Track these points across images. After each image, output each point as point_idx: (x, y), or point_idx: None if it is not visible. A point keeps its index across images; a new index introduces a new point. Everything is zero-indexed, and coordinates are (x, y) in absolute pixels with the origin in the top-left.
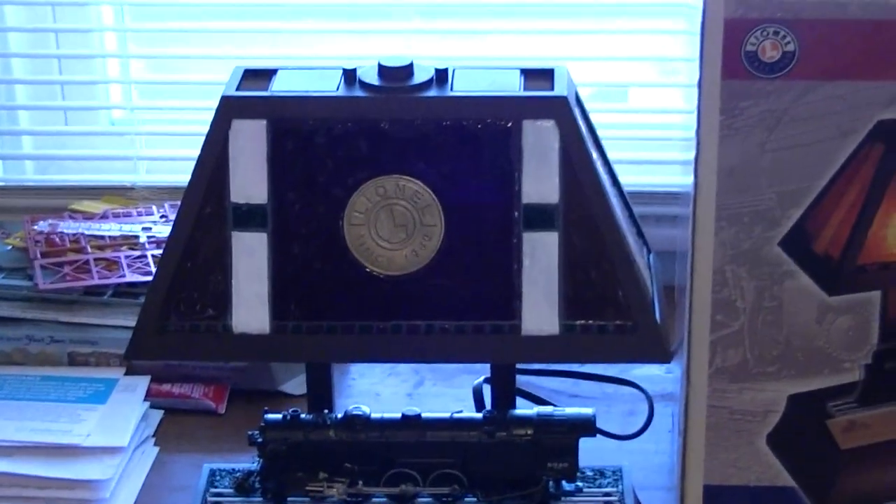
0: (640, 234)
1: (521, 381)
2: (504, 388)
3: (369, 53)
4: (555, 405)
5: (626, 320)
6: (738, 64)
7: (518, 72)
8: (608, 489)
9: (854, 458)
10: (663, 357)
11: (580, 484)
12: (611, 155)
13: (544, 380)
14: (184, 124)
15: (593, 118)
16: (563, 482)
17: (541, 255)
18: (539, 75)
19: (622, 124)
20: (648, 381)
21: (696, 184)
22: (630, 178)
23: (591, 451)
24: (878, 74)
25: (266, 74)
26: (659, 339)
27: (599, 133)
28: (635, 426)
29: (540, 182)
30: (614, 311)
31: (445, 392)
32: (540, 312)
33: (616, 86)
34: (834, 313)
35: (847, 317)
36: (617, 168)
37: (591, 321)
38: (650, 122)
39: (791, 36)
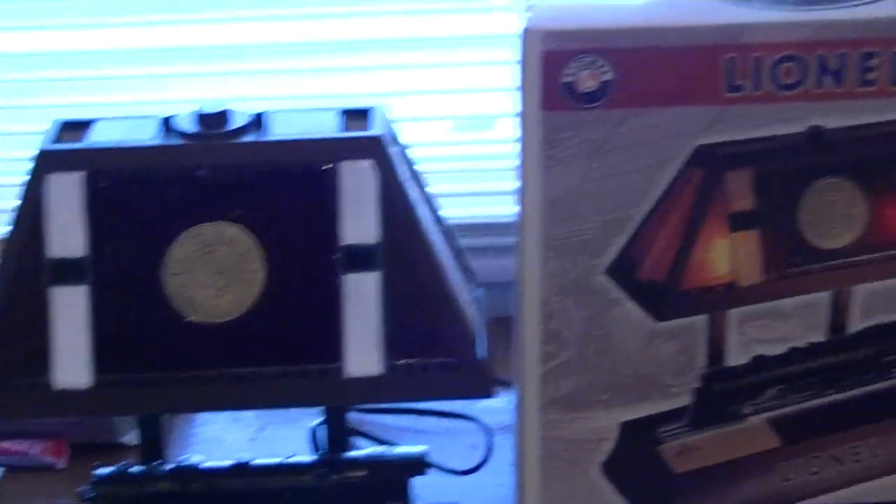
0: (466, 269)
1: (365, 419)
2: (337, 430)
3: (194, 97)
4: (393, 444)
5: (448, 358)
6: (556, 95)
7: (337, 113)
8: None
9: (688, 482)
10: (486, 393)
11: None
12: (449, 188)
13: (388, 417)
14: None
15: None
16: None
17: (362, 295)
18: (357, 115)
19: (481, 155)
20: (491, 413)
21: (521, 214)
22: (468, 210)
23: (434, 488)
24: (696, 100)
25: (83, 126)
26: (481, 375)
27: (464, 165)
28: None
29: (358, 223)
30: (437, 349)
31: (289, 435)
32: (363, 353)
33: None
34: (661, 339)
35: (674, 342)
36: (455, 200)
37: (414, 360)
38: (484, 152)
39: (608, 66)
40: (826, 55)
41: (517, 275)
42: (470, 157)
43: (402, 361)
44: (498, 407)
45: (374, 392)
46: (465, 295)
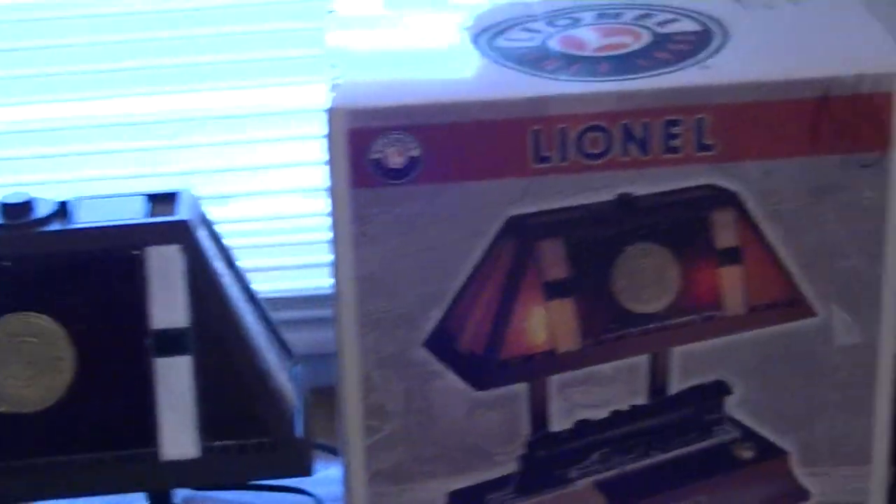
0: (282, 345)
1: (196, 496)
2: None
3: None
4: None
5: (264, 437)
6: (365, 172)
7: (143, 198)
8: None
9: None
10: (304, 470)
11: None
12: (263, 262)
13: (220, 493)
14: None
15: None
16: None
17: (175, 379)
18: (163, 199)
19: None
20: (325, 484)
21: (336, 290)
22: (288, 284)
23: None
24: (504, 172)
25: None
26: (298, 453)
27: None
28: None
29: (168, 307)
30: (252, 430)
31: None
32: (178, 437)
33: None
34: (484, 408)
35: (497, 410)
36: (269, 275)
37: (230, 441)
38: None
39: (414, 142)
40: (630, 124)
41: (336, 349)
42: (285, 230)
43: (218, 443)
44: (333, 477)
45: (191, 475)
46: (280, 373)
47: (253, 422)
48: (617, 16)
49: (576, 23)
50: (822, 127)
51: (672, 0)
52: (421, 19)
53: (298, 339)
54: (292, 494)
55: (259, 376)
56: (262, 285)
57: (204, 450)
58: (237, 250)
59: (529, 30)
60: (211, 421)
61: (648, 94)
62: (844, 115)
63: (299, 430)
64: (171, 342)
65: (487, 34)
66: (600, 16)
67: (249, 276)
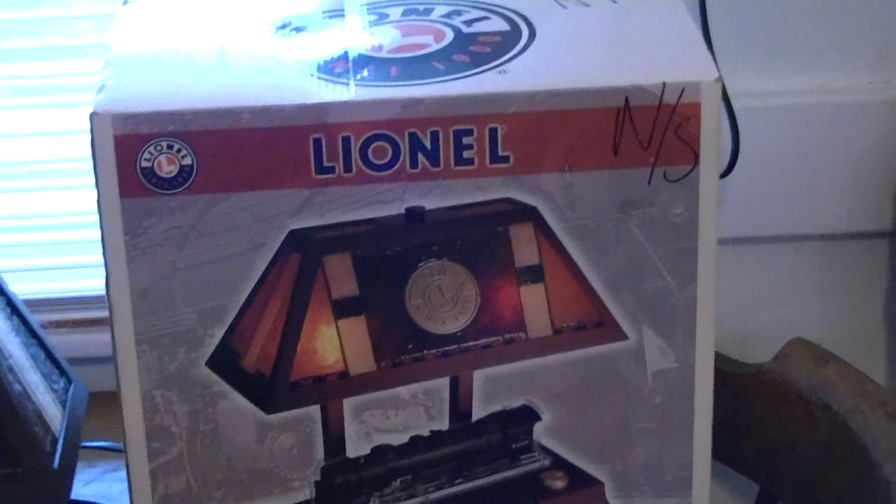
0: (56, 365)
1: None
2: None
3: None
4: None
5: (15, 468)
6: (135, 181)
7: None
8: None
9: None
10: (59, 499)
11: None
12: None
13: None
14: None
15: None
16: None
17: None
18: None
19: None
20: None
21: (110, 308)
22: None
23: None
24: (282, 183)
25: None
26: (52, 482)
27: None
28: None
29: None
30: (2, 460)
31: None
32: None
33: None
34: (275, 431)
35: (289, 434)
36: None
37: None
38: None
39: (186, 149)
40: (418, 133)
41: (115, 370)
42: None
43: None
44: None
45: None
46: (43, 395)
47: (2, 451)
48: (426, 12)
49: (381, 18)
50: (624, 139)
51: None
52: (222, 11)
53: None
54: None
55: (7, 403)
56: (48, 285)
57: None
58: (11, 249)
59: (329, 26)
60: None
61: (435, 102)
62: (649, 126)
63: (58, 457)
64: None
65: (286, 30)
66: (408, 12)
67: (29, 276)
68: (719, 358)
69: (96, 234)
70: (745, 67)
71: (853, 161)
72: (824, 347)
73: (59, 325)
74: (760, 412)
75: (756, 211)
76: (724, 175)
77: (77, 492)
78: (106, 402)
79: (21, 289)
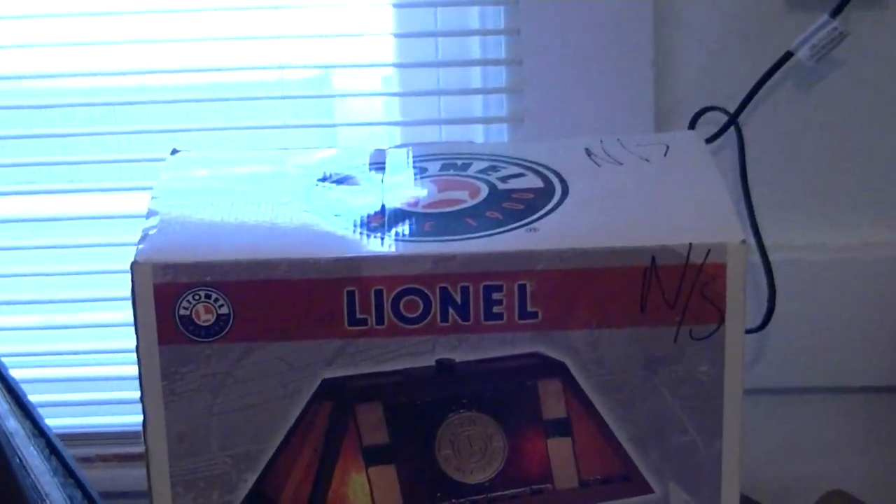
0: (81, 487)
1: None
2: None
3: None
4: None
5: None
6: (173, 329)
7: None
8: None
9: None
10: None
11: None
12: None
13: None
14: None
15: None
16: None
17: None
18: None
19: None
20: None
21: (147, 451)
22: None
23: None
24: (317, 334)
25: None
26: None
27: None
28: None
29: None
30: None
31: None
32: None
33: None
34: None
35: None
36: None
37: None
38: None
39: (224, 299)
40: (449, 289)
41: None
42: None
43: None
44: None
45: None
46: None
47: None
48: (464, 167)
49: (420, 173)
50: (651, 297)
51: (527, 150)
52: (266, 162)
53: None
54: None
55: None
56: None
57: None
58: (51, 384)
59: (370, 179)
60: None
61: (466, 259)
62: (675, 285)
63: None
64: None
65: (327, 182)
66: (446, 166)
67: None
68: None
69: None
70: (783, 221)
71: (893, 315)
72: (862, 500)
73: (104, 459)
74: None
75: (795, 362)
76: (759, 328)
77: None
78: None
79: (63, 422)
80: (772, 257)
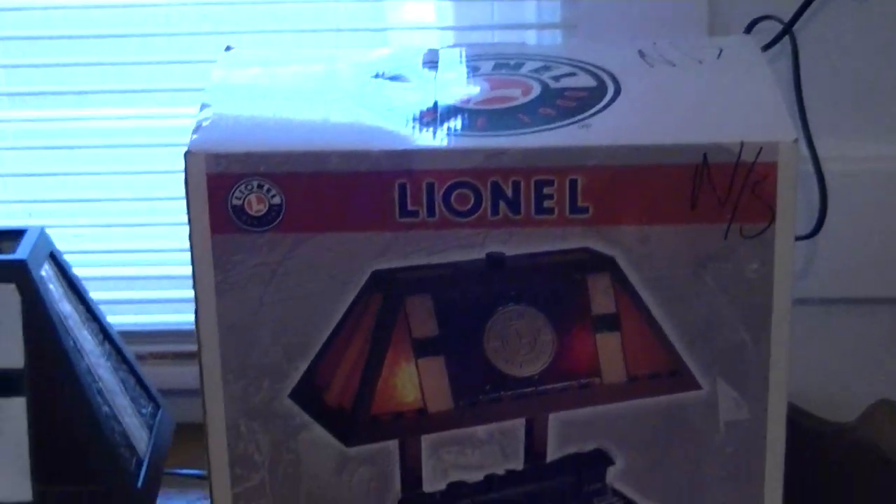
0: (144, 389)
1: None
2: None
3: None
4: None
5: (98, 486)
6: (226, 218)
7: None
8: None
9: None
10: None
11: None
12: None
13: None
14: None
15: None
16: None
17: (9, 421)
18: (10, 237)
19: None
20: None
21: (198, 339)
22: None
23: None
24: (367, 225)
25: None
26: (134, 502)
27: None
28: None
29: (4, 347)
30: (86, 477)
31: None
32: (12, 480)
33: None
34: (354, 464)
35: (367, 467)
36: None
37: (64, 488)
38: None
39: (276, 189)
40: (500, 183)
41: (201, 399)
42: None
43: (52, 488)
44: None
45: None
46: (130, 419)
47: (87, 469)
48: (517, 66)
49: (473, 72)
50: (702, 195)
51: (580, 51)
52: (320, 58)
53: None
54: None
55: (95, 423)
56: (138, 317)
57: (37, 494)
58: (108, 282)
59: (424, 77)
60: (45, 466)
61: (518, 153)
62: (726, 183)
63: (142, 478)
64: (5, 383)
65: (381, 78)
66: (499, 66)
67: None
68: (802, 414)
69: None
70: (837, 132)
71: None
72: None
73: (158, 357)
74: (843, 470)
75: (845, 273)
76: (810, 235)
77: None
78: (197, 432)
79: (121, 320)
80: (824, 168)
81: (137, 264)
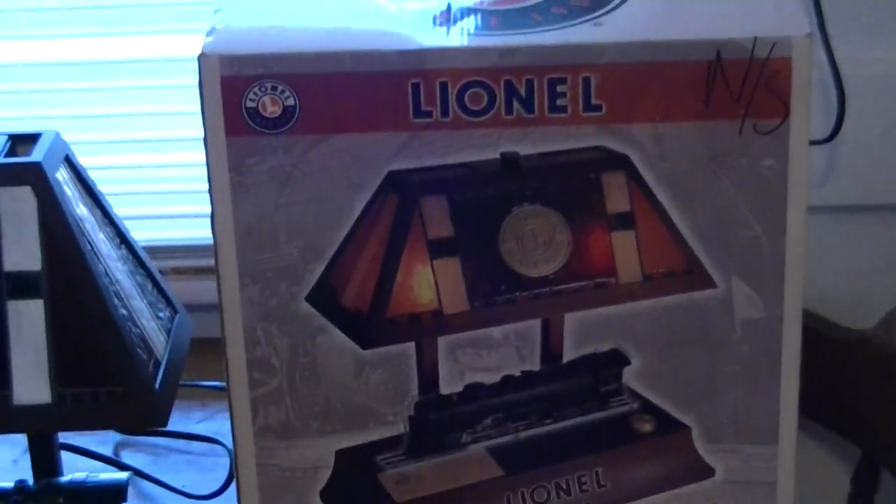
0: (162, 295)
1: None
2: (43, 456)
3: None
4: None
5: (116, 387)
6: (240, 121)
7: (4, 137)
8: None
9: None
10: (157, 422)
11: None
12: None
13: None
14: None
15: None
16: None
17: (27, 323)
18: (25, 140)
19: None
20: None
21: (215, 243)
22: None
23: None
24: (381, 126)
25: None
26: (151, 404)
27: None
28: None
29: (21, 249)
30: (105, 378)
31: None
32: (31, 381)
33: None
34: (371, 367)
35: (384, 370)
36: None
37: (82, 389)
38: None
39: (290, 91)
40: (513, 81)
41: (219, 302)
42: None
43: (70, 390)
44: None
45: (42, 420)
46: (148, 322)
47: (105, 370)
48: None
49: None
50: (716, 91)
51: None
52: None
53: (200, 289)
54: (208, 444)
55: (112, 324)
56: (158, 233)
57: (56, 395)
58: (130, 198)
59: None
60: (64, 367)
61: (531, 51)
62: (740, 79)
63: (159, 380)
64: (23, 285)
65: None
66: None
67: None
68: (824, 323)
69: None
70: (854, 36)
71: None
72: None
73: (179, 272)
74: (864, 377)
75: (864, 179)
76: (828, 139)
77: (190, 428)
78: (219, 346)
79: (142, 236)
80: (842, 72)
81: (158, 181)
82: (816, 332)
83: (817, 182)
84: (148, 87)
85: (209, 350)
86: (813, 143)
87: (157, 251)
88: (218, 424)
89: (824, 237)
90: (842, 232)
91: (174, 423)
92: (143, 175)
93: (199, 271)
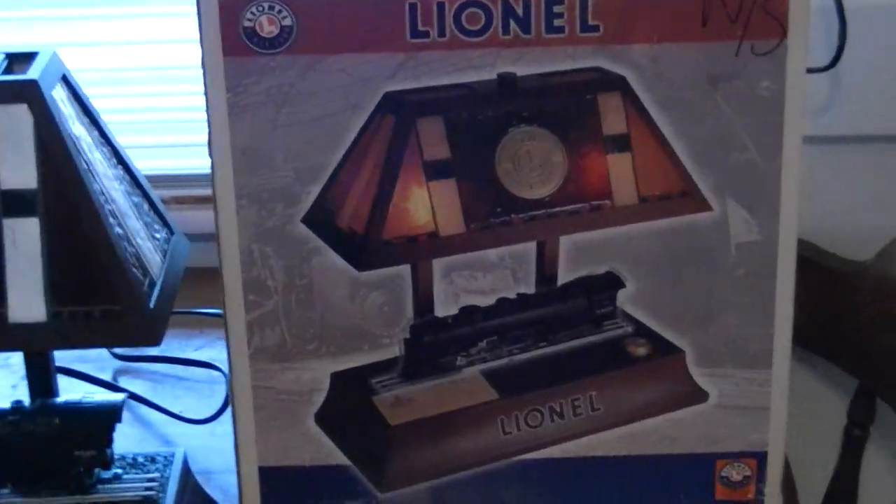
0: (160, 217)
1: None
2: (39, 377)
3: None
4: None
5: (111, 305)
6: (237, 41)
7: (1, 56)
8: (153, 475)
9: (405, 434)
10: (152, 340)
11: (119, 471)
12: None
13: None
14: None
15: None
16: (100, 470)
17: (23, 241)
18: (22, 59)
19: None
20: None
21: (212, 164)
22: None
23: (176, 437)
24: (380, 46)
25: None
26: (146, 323)
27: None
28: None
29: (17, 167)
30: (100, 297)
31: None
32: (26, 299)
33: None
34: (366, 289)
35: (379, 292)
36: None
37: (78, 307)
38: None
39: (287, 10)
40: (510, 1)
41: (215, 224)
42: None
43: (65, 308)
44: None
45: (38, 338)
46: (144, 242)
47: (100, 289)
48: None
49: None
50: (713, 12)
51: None
52: None
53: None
54: (205, 370)
55: (108, 243)
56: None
57: (51, 314)
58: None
59: None
60: (59, 285)
61: None
62: (737, 0)
63: (154, 299)
64: (19, 203)
65: None
66: None
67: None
68: (822, 254)
69: None
70: None
71: None
72: None
73: (179, 200)
74: (862, 308)
75: (864, 109)
76: (828, 67)
77: (189, 354)
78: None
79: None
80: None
81: (159, 110)
82: (815, 262)
83: (817, 112)
84: (148, 16)
85: (211, 278)
86: (813, 70)
87: (157, 180)
88: (216, 351)
89: (823, 168)
90: (842, 163)
91: (173, 350)
92: (145, 105)
93: (200, 200)
